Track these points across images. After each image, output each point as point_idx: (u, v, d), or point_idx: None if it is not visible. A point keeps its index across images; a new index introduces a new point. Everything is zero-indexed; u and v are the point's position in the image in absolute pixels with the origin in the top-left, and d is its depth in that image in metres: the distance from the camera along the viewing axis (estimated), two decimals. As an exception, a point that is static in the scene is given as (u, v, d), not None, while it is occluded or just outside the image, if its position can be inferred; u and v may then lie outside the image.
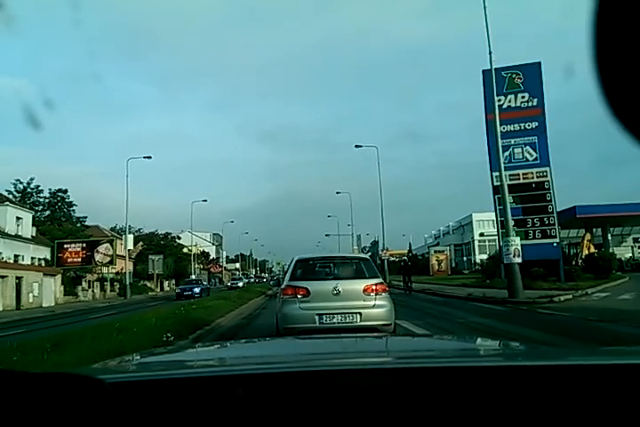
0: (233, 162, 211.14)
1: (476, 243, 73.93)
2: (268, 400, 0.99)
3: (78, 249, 39.64)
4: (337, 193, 53.35)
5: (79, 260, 39.58)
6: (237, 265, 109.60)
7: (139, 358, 1.91)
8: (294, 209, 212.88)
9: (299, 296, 6.34)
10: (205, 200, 56.88)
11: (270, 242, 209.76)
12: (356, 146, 37.29)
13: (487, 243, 72.67)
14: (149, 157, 37.36)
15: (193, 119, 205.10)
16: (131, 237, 42.06)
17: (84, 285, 38.89)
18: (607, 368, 1.08)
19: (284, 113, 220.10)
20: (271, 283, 25.57)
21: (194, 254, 60.41)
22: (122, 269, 53.49)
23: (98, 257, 40.37)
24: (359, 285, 6.48)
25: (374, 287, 6.47)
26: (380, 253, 34.89)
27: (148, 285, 48.57)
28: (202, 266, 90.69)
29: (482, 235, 72.10)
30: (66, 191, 49.35)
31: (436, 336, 4.31)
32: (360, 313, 6.28)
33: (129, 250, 42.19)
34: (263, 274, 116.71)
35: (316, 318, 6.24)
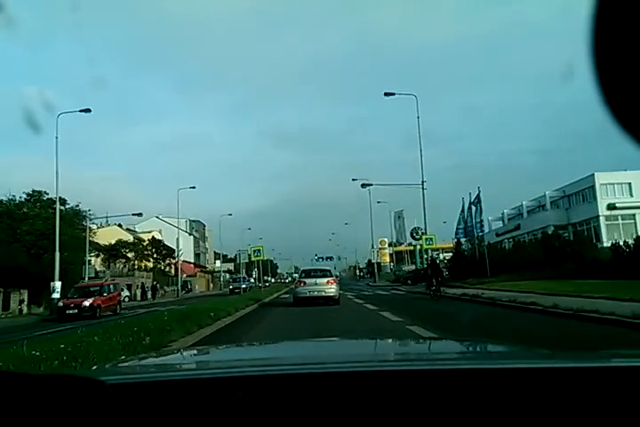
0: (242, 164, 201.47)
1: (602, 221, 42.88)
2: (268, 402, 0.99)
3: None
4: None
5: None
6: (218, 263, 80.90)
7: (140, 359, 1.94)
8: (304, 207, 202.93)
9: (302, 285, 18.89)
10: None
11: (281, 242, 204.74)
12: (386, 93, 28.96)
13: (621, 221, 42.17)
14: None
15: (209, 121, 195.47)
16: None
17: None
18: (615, 371, 1.06)
19: (301, 116, 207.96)
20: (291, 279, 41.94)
21: (89, 241, 30.19)
22: None
23: None
24: (325, 279, 18.78)
25: (331, 281, 18.80)
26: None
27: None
28: (156, 263, 61.64)
29: (612, 207, 41.38)
30: None
31: (443, 339, 4.57)
32: (324, 290, 18.39)
33: None
34: (266, 277, 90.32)
35: (307, 292, 18.39)
